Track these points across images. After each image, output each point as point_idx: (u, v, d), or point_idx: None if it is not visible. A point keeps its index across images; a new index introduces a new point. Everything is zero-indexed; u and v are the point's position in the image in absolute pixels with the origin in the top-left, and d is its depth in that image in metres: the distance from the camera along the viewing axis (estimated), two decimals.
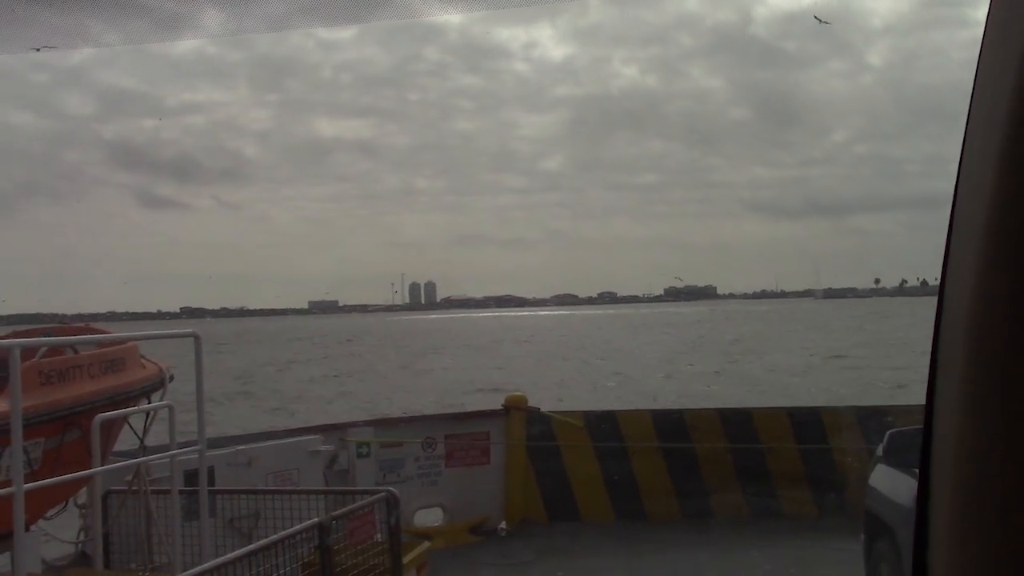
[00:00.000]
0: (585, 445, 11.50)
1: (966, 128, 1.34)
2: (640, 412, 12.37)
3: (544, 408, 12.01)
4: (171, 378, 8.75)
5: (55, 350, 7.86)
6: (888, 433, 6.28)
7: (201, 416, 7.32)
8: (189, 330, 7.64)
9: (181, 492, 7.49)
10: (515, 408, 11.61)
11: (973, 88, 1.34)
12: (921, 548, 1.36)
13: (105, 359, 8.15)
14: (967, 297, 1.22)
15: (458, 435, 11.40)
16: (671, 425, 11.64)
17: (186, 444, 7.77)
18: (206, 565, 6.01)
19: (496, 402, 12.18)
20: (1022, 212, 1.18)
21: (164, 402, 7.96)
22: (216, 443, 9.34)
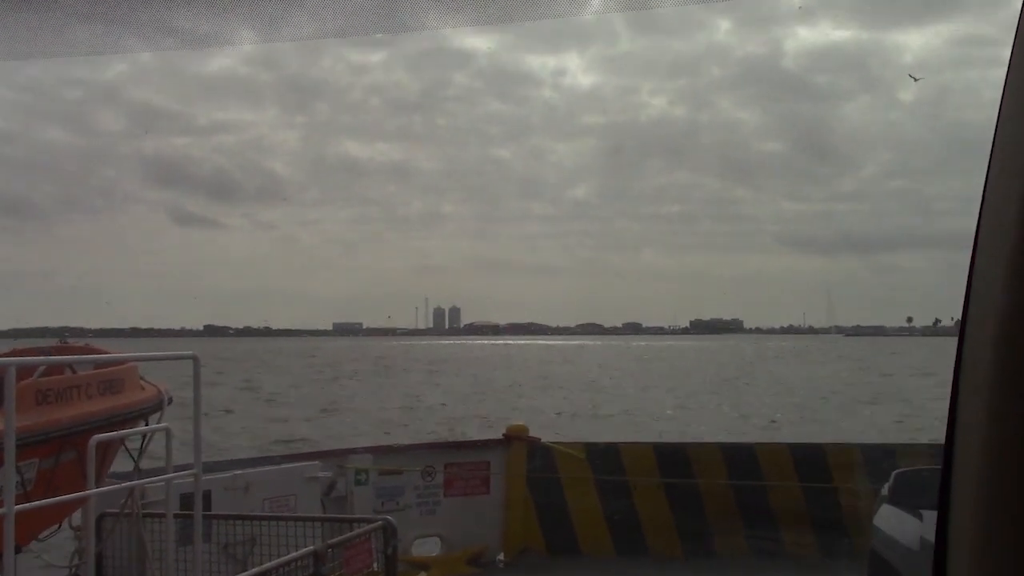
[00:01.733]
0: (586, 477, 11.42)
1: (989, 162, 1.35)
2: (642, 445, 12.28)
3: (545, 439, 11.96)
4: (170, 400, 8.77)
5: (53, 369, 7.90)
6: (894, 473, 6.21)
7: (197, 440, 7.31)
8: (188, 352, 7.66)
9: (176, 516, 7.49)
10: (516, 438, 11.56)
11: (996, 128, 1.35)
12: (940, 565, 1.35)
13: (103, 379, 8.16)
14: (989, 336, 1.22)
15: (458, 464, 11.36)
16: (673, 459, 11.54)
17: (183, 467, 7.77)
18: None
19: (498, 432, 12.17)
20: None
21: (161, 424, 7.95)
22: (213, 467, 9.34)
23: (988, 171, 1.35)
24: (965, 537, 1.28)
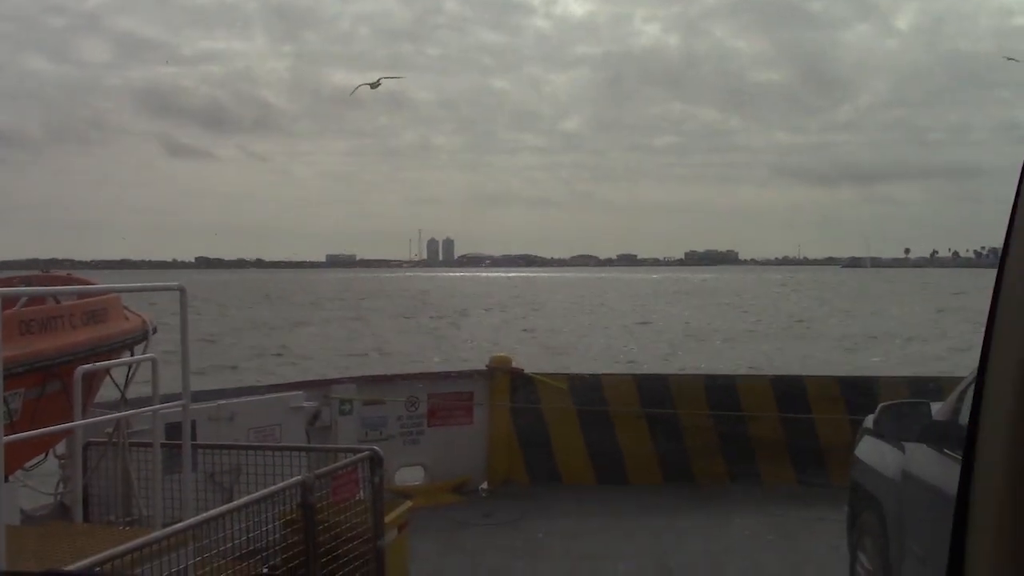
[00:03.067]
0: (568, 408, 11.55)
1: None
2: (624, 377, 12.42)
3: (528, 369, 12.07)
4: (154, 330, 8.78)
5: (37, 299, 7.91)
6: (880, 406, 6.28)
7: (186, 370, 7.29)
8: (174, 283, 7.66)
9: (163, 446, 7.56)
10: (499, 369, 11.66)
11: None
12: (959, 533, 1.35)
13: (87, 310, 8.17)
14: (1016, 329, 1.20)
15: (441, 394, 11.47)
16: (655, 390, 11.67)
17: (170, 398, 7.82)
18: (189, 521, 6.03)
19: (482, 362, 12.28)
20: None
21: (147, 355, 7.97)
22: (197, 397, 9.38)
23: None
24: (992, 481, 1.27)
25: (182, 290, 7.41)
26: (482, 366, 11.97)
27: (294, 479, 7.28)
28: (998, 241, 1.28)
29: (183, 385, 7.35)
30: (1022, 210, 1.27)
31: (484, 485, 11.50)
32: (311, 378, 12.46)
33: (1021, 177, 1.26)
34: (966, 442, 1.36)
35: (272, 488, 7.15)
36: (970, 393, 3.85)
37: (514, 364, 11.88)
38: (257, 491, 7.25)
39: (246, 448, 8.48)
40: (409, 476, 11.40)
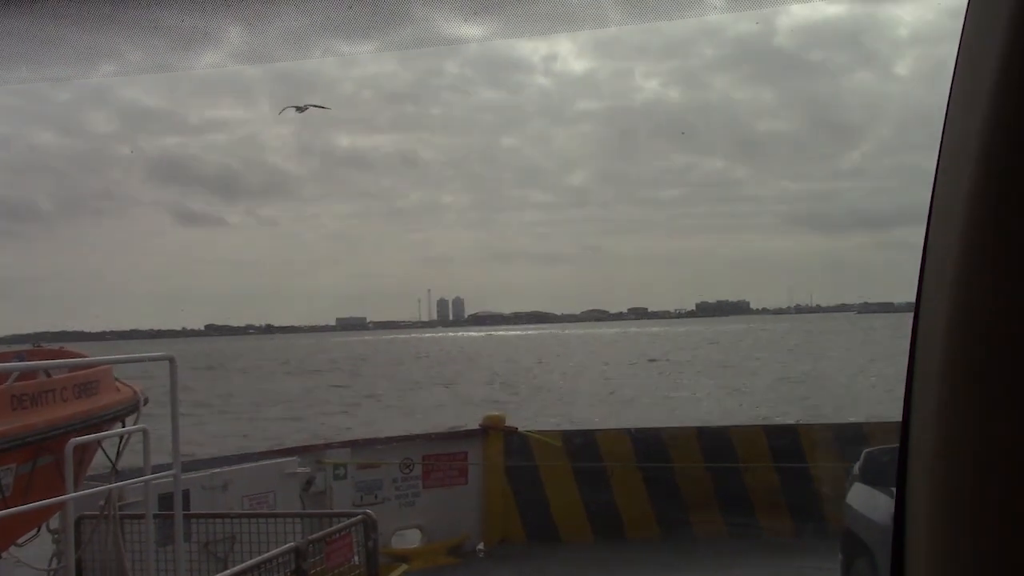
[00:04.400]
0: (564, 465, 11.56)
1: (941, 143, 1.39)
2: (619, 431, 12.42)
3: (523, 428, 12.10)
4: (145, 401, 8.87)
5: (28, 374, 8.01)
6: (864, 452, 6.30)
7: (176, 440, 7.35)
8: (163, 353, 7.77)
9: (156, 517, 7.60)
10: (493, 428, 11.69)
11: (947, 106, 1.39)
12: (898, 564, 1.41)
13: (78, 383, 8.26)
14: (943, 313, 1.26)
15: (436, 456, 11.49)
16: (649, 444, 11.68)
17: (161, 468, 7.86)
18: None
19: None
20: (994, 228, 1.22)
21: (138, 425, 8.03)
22: (190, 466, 9.47)
23: (939, 156, 1.39)
24: (921, 518, 1.33)
25: (172, 360, 7.52)
26: (476, 425, 12.01)
27: (287, 546, 7.33)
28: None
29: (173, 455, 7.41)
30: (937, 209, 1.36)
31: (481, 546, 11.45)
32: (307, 443, 12.49)
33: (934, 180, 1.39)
34: (897, 475, 1.44)
35: (265, 555, 7.20)
36: None
37: (508, 422, 11.92)
38: (251, 559, 7.31)
39: (240, 516, 8.53)
40: (406, 539, 11.39)
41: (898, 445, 1.42)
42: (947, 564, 1.28)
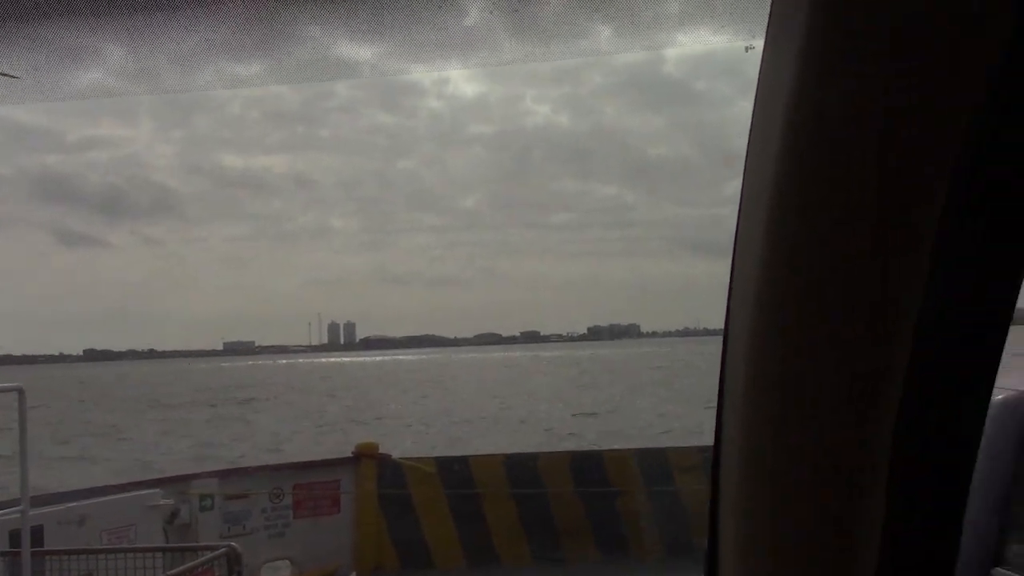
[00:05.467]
0: (437, 491, 11.53)
1: (744, 168, 1.45)
2: (492, 457, 12.48)
3: (396, 454, 12.04)
4: None
5: None
6: None
7: (24, 475, 7.12)
8: (13, 384, 7.49)
9: (4, 555, 7.27)
10: (366, 456, 11.60)
11: (750, 130, 1.44)
12: (712, 562, 1.48)
13: None
14: (746, 330, 1.33)
15: (307, 484, 11.32)
16: (523, 469, 11.76)
17: (9, 504, 7.55)
18: None
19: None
20: (788, 255, 1.29)
21: None
22: (44, 500, 9.12)
23: (744, 177, 1.45)
24: (729, 516, 1.41)
25: (20, 392, 7.25)
26: (348, 453, 11.88)
27: None
28: None
29: (21, 490, 7.14)
30: (745, 213, 1.42)
31: (353, 575, 11.33)
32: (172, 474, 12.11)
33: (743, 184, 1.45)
34: (711, 478, 1.50)
35: None
36: None
37: (381, 449, 11.84)
38: None
39: (97, 552, 8.23)
40: (277, 570, 11.15)
41: (712, 453, 1.49)
42: (751, 559, 1.37)
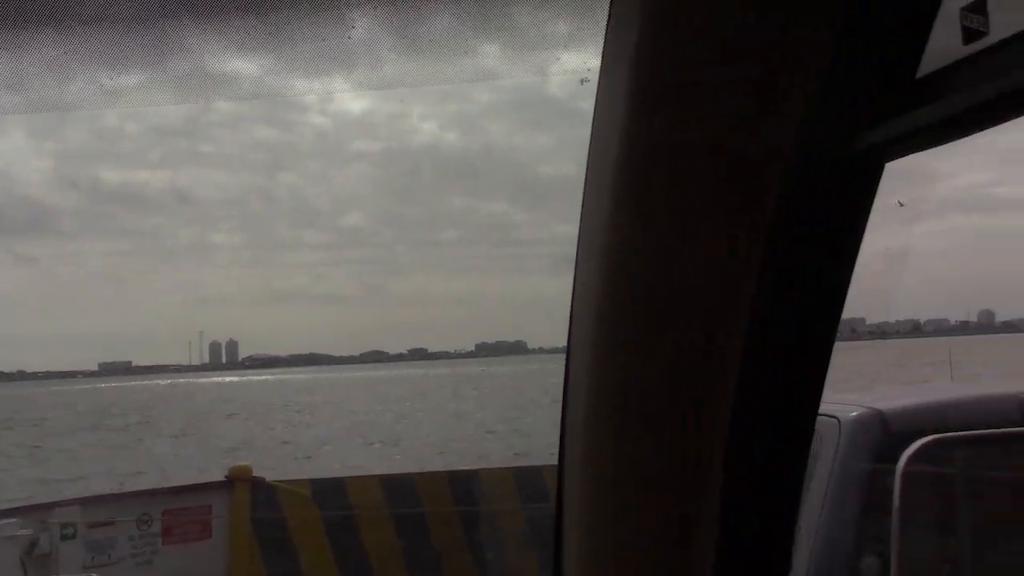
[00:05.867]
0: (313, 515, 11.36)
1: (584, 187, 1.51)
2: (368, 478, 12.36)
3: (271, 478, 11.80)
4: None
5: None
6: None
7: None
8: None
9: None
10: (239, 479, 11.33)
11: (589, 149, 1.49)
12: (557, 563, 1.56)
13: None
14: (588, 341, 1.41)
15: (177, 510, 10.99)
16: (400, 490, 11.68)
17: None
18: None
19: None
20: (628, 265, 1.35)
21: None
22: None
23: (583, 196, 1.50)
24: (574, 518, 1.49)
25: None
26: (221, 477, 11.59)
27: None
28: None
29: None
30: (586, 221, 1.48)
31: None
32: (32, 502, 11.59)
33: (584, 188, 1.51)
34: (556, 500, 1.58)
35: None
36: None
37: (255, 473, 11.59)
38: None
39: None
40: None
41: (557, 463, 1.57)
42: (594, 570, 1.46)
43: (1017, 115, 1.08)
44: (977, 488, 4.41)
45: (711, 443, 1.37)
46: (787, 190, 1.30)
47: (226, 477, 11.38)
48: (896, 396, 5.79)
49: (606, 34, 1.42)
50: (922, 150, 1.24)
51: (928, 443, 3.87)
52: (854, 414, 4.57)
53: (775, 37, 1.24)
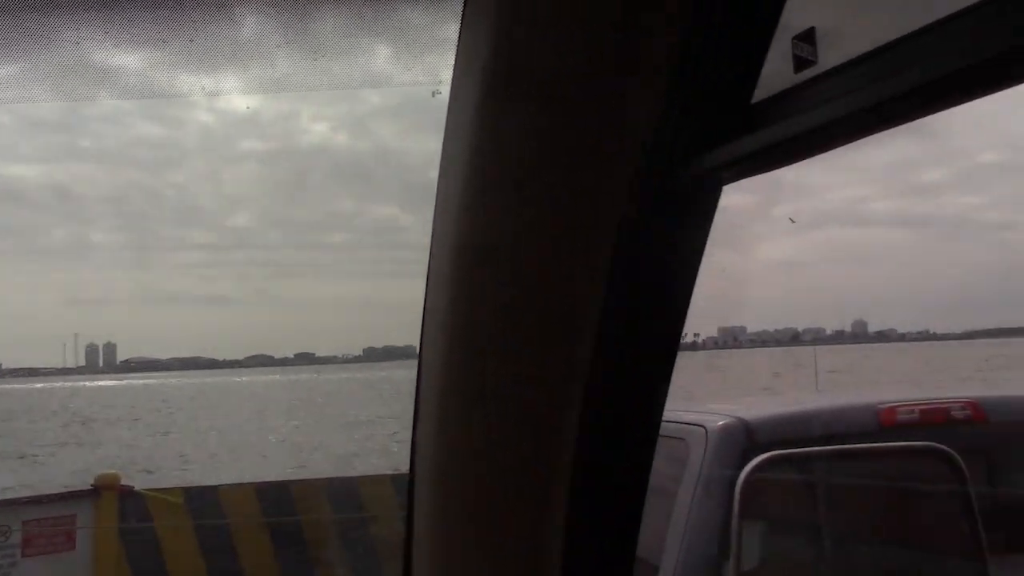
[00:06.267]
0: (185, 524, 11.06)
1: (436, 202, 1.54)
2: (242, 486, 12.13)
3: (140, 486, 11.46)
4: None
5: None
6: None
7: None
8: None
9: None
10: (106, 488, 10.96)
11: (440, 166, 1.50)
12: (407, 563, 1.59)
13: None
14: (439, 365, 1.45)
15: (39, 520, 10.56)
16: (276, 498, 11.49)
17: None
18: None
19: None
20: (477, 274, 1.39)
21: None
22: None
23: (435, 204, 1.52)
24: (424, 552, 1.52)
25: None
26: (87, 485, 11.19)
27: None
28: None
29: None
30: (439, 219, 1.51)
31: None
32: None
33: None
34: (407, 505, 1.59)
35: None
36: None
37: (123, 481, 11.23)
38: None
39: None
40: None
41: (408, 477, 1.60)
42: (442, 570, 1.50)
43: (846, 141, 1.12)
44: (812, 500, 4.57)
45: (559, 451, 1.39)
46: (630, 211, 1.33)
47: (92, 485, 11.00)
48: (761, 406, 6.01)
49: (457, 45, 1.44)
50: (758, 173, 1.28)
51: (765, 460, 3.98)
52: (720, 423, 4.69)
53: (617, 61, 1.28)
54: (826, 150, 1.15)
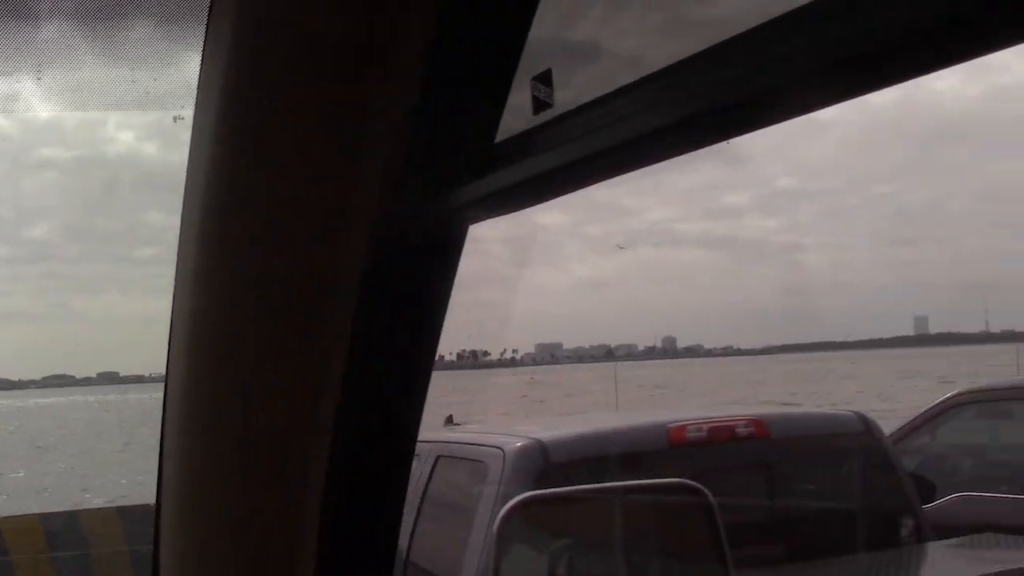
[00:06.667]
0: (42, 551, 10.41)
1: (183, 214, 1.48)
2: (106, 510, 11.73)
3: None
4: None
5: None
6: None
7: None
8: None
9: None
10: None
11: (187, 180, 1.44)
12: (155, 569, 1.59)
13: None
14: (183, 376, 1.40)
15: None
16: (141, 522, 10.31)
17: None
18: None
19: None
20: (224, 300, 1.36)
21: None
22: None
23: (180, 231, 1.47)
24: (173, 568, 1.51)
25: None
26: None
27: None
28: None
29: None
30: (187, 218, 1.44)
31: None
32: None
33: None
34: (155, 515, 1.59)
35: None
36: None
37: None
38: None
39: None
40: None
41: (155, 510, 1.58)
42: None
43: (582, 185, 1.10)
44: (570, 535, 4.34)
45: (311, 466, 1.37)
46: (375, 248, 1.30)
47: None
48: (559, 426, 6.13)
49: (200, 75, 1.39)
50: (504, 213, 1.25)
51: (520, 501, 3.98)
52: (517, 444, 4.81)
53: (359, 99, 1.24)
54: (565, 192, 1.14)
